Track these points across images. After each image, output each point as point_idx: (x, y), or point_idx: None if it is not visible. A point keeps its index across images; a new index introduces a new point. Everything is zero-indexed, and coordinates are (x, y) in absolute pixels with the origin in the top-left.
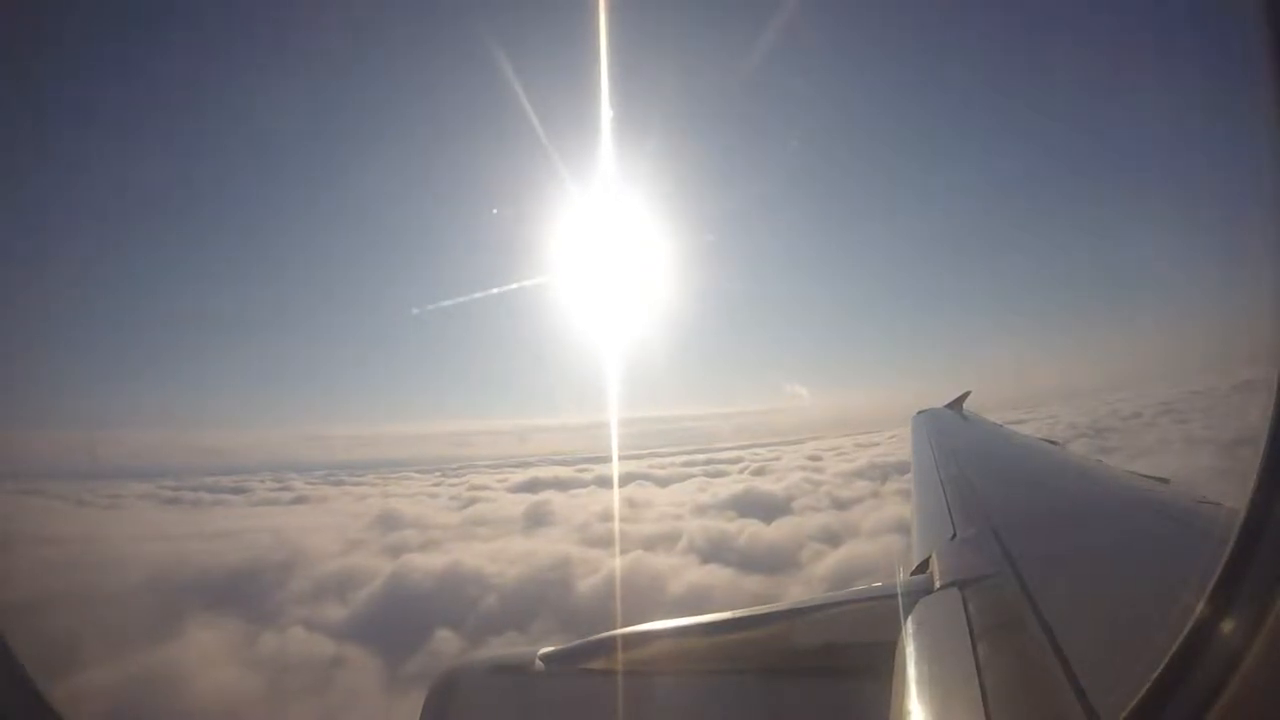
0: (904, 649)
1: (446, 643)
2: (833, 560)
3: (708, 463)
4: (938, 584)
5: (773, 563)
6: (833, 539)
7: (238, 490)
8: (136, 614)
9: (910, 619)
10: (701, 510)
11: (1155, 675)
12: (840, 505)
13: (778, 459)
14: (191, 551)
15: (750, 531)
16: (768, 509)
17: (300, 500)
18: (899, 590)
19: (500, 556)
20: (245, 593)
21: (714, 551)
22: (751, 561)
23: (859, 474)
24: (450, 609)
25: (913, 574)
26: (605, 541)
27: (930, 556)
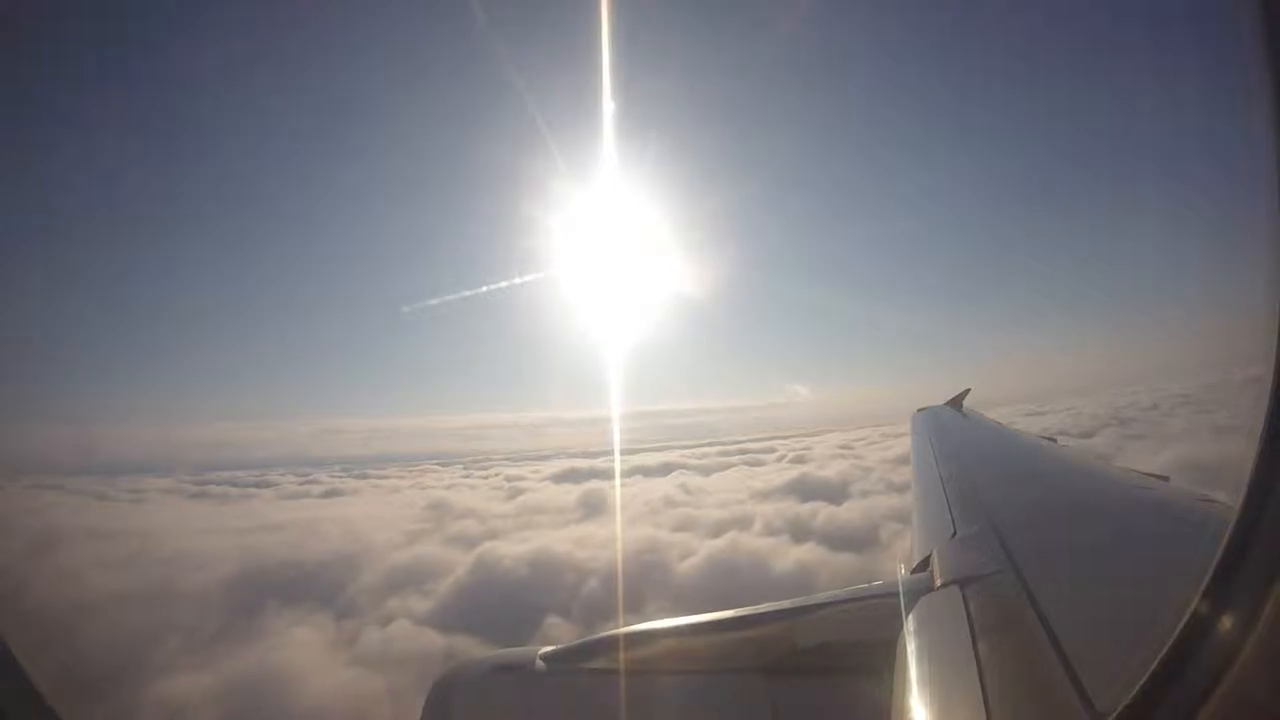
0: (904, 647)
1: (559, 630)
2: None
3: (739, 453)
4: (938, 582)
5: (857, 542)
6: (906, 519)
7: (261, 485)
8: (222, 611)
9: (911, 617)
10: (762, 496)
11: (1151, 669)
12: (898, 489)
13: (809, 449)
14: (250, 546)
15: (824, 514)
16: (828, 494)
17: (332, 493)
18: (899, 589)
19: (585, 542)
20: (324, 587)
21: (798, 532)
22: (835, 541)
23: (901, 461)
24: (552, 595)
25: (913, 572)
26: (686, 525)
27: (931, 555)
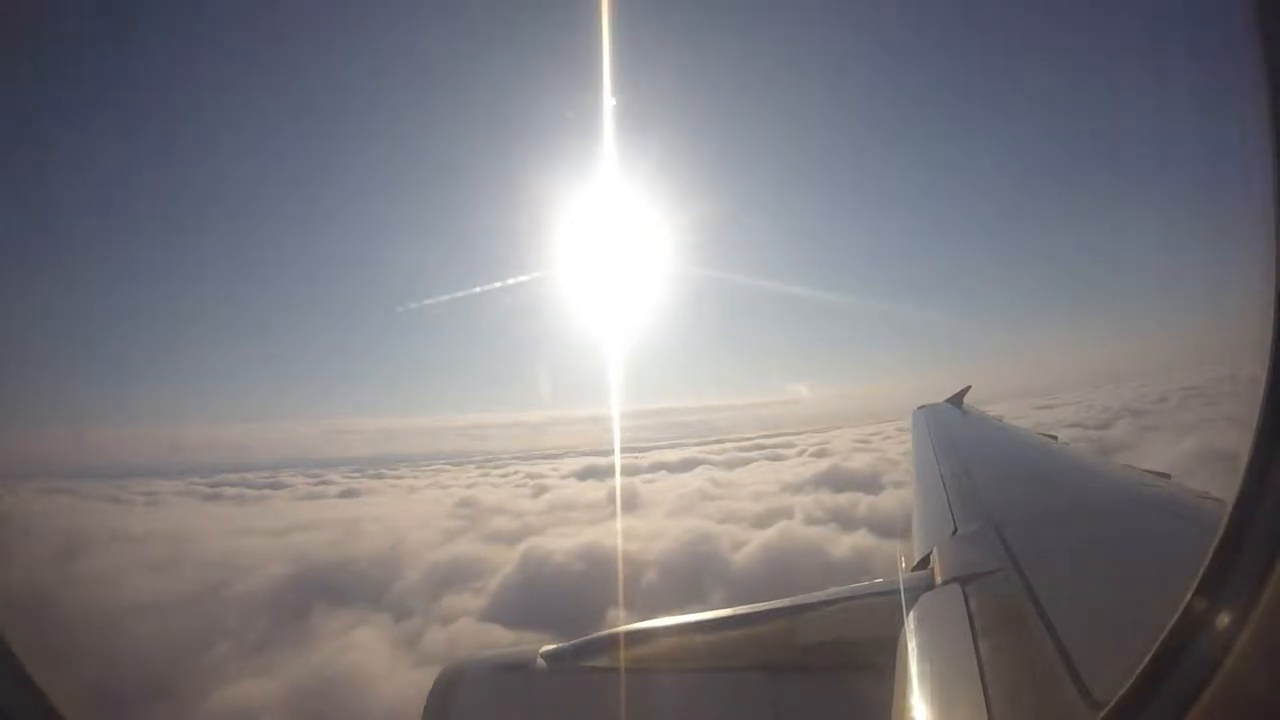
0: (905, 645)
1: (624, 622)
2: None
3: (756, 449)
4: (939, 580)
5: (907, 529)
6: None
7: (274, 486)
8: (276, 614)
9: (911, 615)
10: (794, 488)
11: (1146, 660)
12: None
13: (827, 443)
14: (286, 548)
15: (865, 503)
16: (862, 484)
17: (350, 494)
18: (900, 586)
19: (631, 535)
20: (372, 587)
21: (845, 521)
22: (884, 529)
23: None
24: (609, 587)
25: (914, 570)
26: (728, 517)
27: (931, 552)
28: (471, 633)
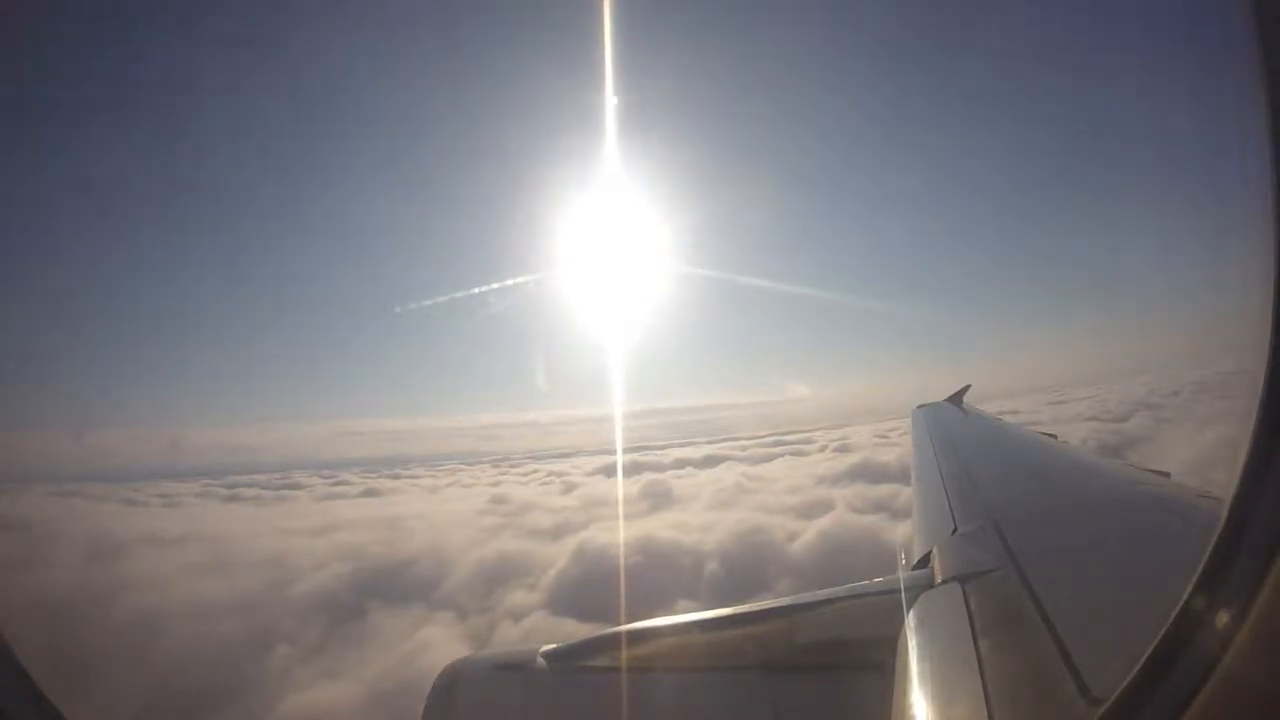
0: (905, 644)
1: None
2: None
3: (776, 444)
4: (939, 579)
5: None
6: None
7: (291, 487)
8: (339, 615)
9: (912, 614)
10: (830, 481)
11: (1147, 655)
12: None
13: (848, 439)
14: (329, 548)
15: (905, 494)
16: (897, 476)
17: (370, 494)
18: (900, 585)
19: (681, 527)
20: (428, 585)
21: (893, 511)
22: None
23: None
24: (673, 579)
25: (914, 569)
26: (774, 509)
27: (931, 551)
28: (547, 627)
